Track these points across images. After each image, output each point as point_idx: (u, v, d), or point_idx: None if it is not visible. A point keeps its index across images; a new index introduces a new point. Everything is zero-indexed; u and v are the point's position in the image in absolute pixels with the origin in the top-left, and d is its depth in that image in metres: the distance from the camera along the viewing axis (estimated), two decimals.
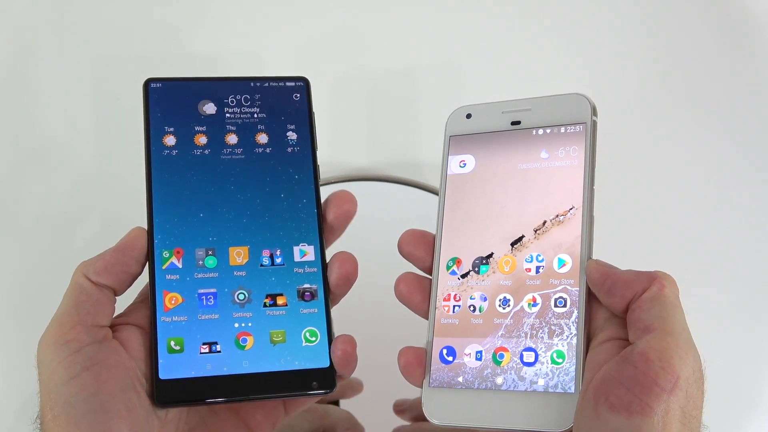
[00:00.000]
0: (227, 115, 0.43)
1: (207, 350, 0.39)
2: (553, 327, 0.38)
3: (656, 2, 0.66)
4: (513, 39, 0.65)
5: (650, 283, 0.36)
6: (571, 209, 0.39)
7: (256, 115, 0.44)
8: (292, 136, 0.44)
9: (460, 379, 0.39)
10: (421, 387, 0.40)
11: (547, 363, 0.37)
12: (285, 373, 0.40)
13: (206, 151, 0.42)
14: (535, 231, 0.40)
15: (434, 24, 0.65)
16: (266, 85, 0.44)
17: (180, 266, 0.40)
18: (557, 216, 0.39)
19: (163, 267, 0.40)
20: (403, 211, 0.62)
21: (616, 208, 0.64)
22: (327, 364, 0.40)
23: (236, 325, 0.40)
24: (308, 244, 0.42)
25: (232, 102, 0.43)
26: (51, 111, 0.62)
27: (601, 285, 0.37)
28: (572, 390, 0.36)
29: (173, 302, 0.40)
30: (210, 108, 0.43)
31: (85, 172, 0.62)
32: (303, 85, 0.45)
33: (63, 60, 0.62)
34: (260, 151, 0.43)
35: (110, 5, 0.63)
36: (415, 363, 0.40)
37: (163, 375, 0.38)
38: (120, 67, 0.62)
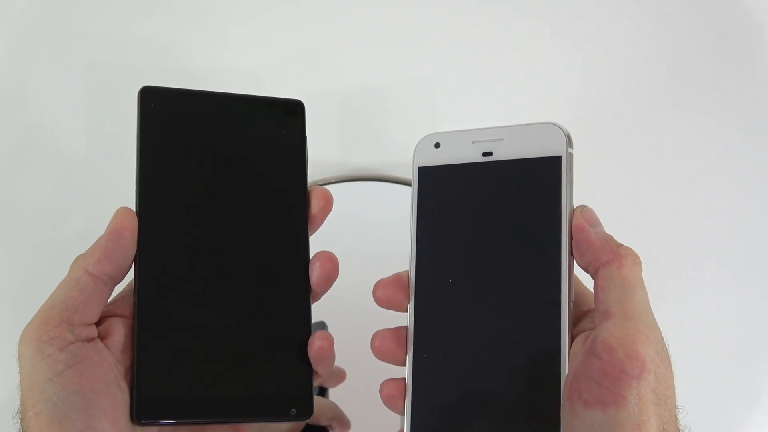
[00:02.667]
0: (222, 129, 0.42)
1: (190, 369, 0.39)
2: None
3: (654, 1, 0.66)
4: (498, 47, 0.65)
5: (611, 258, 0.36)
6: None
7: (251, 134, 0.43)
8: (285, 158, 0.43)
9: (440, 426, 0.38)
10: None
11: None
12: (266, 397, 0.39)
13: (199, 166, 0.41)
14: None
15: (433, 25, 0.65)
16: (262, 104, 0.43)
17: None
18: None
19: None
20: (403, 211, 0.62)
21: (611, 209, 0.64)
22: (306, 392, 0.40)
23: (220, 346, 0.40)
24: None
25: (227, 117, 0.42)
26: (45, 114, 0.62)
27: (575, 240, 0.37)
28: None
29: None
30: (205, 121, 0.42)
31: (79, 174, 0.62)
32: (298, 108, 0.44)
33: (58, 66, 0.62)
34: (253, 170, 0.42)
35: (107, 16, 0.63)
36: (398, 395, 0.40)
37: (144, 393, 0.37)
38: (114, 75, 0.62)
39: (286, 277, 0.41)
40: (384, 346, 0.41)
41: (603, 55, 0.65)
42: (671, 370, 0.35)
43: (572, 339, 0.36)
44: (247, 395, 0.39)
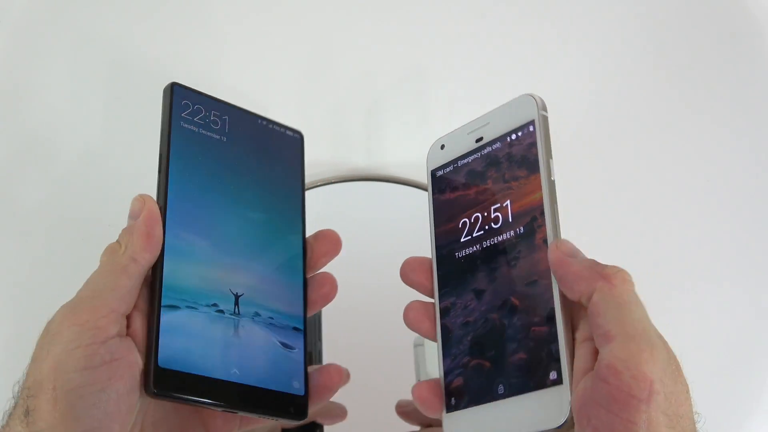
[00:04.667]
0: (237, 146, 0.44)
1: (205, 352, 0.39)
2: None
3: (655, 2, 0.66)
4: (498, 46, 0.65)
5: (599, 281, 0.35)
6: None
7: (259, 152, 0.45)
8: (286, 182, 0.45)
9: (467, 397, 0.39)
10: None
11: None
12: (269, 392, 0.40)
13: (215, 173, 0.43)
14: None
15: (435, 24, 0.65)
16: (270, 126, 0.46)
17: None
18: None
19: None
20: (403, 211, 0.62)
21: (613, 209, 0.64)
22: (303, 392, 0.42)
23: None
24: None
25: (244, 134, 0.44)
26: (50, 111, 0.62)
27: (555, 271, 0.37)
28: (563, 382, 0.35)
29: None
30: (224, 130, 0.44)
31: (80, 173, 0.62)
32: (299, 138, 0.47)
33: (60, 66, 0.62)
34: (259, 187, 0.44)
35: (112, 17, 0.63)
36: (432, 396, 0.39)
37: (162, 363, 0.37)
38: (116, 76, 0.62)
39: (285, 288, 0.43)
40: (416, 317, 0.42)
41: (605, 55, 0.65)
42: (683, 384, 0.33)
43: (567, 325, 0.36)
44: (254, 387, 0.40)
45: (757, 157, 0.65)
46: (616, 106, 0.65)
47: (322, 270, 0.45)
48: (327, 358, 0.56)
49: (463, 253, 0.41)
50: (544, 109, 0.40)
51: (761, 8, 0.65)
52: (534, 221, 0.38)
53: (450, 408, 0.39)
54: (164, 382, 0.37)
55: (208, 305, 0.40)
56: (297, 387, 0.42)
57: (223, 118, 0.44)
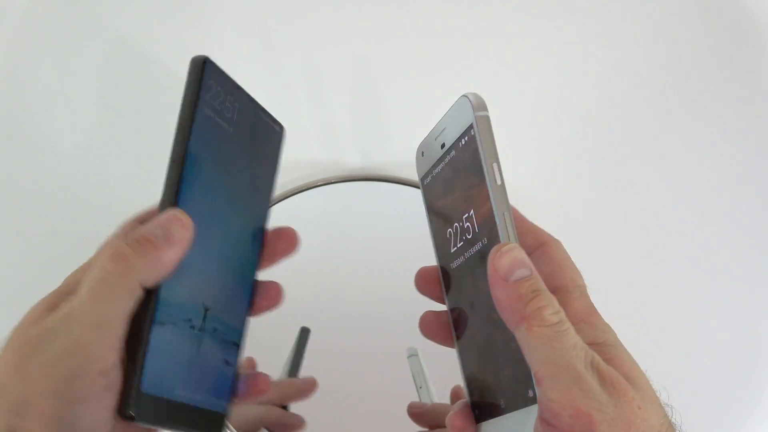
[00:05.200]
0: (238, 135, 0.41)
1: (178, 374, 0.37)
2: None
3: (655, 2, 0.66)
4: (498, 42, 0.65)
5: (518, 321, 0.34)
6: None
7: (252, 150, 0.42)
8: (264, 186, 0.43)
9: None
10: None
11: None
12: (207, 411, 0.38)
13: (218, 173, 0.40)
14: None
15: (432, 23, 0.65)
16: (263, 117, 0.43)
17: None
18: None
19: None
20: (403, 211, 0.62)
21: (615, 208, 0.64)
22: (225, 411, 0.40)
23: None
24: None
25: (244, 124, 0.41)
26: (48, 110, 0.62)
27: (492, 294, 0.35)
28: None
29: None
30: (233, 120, 0.41)
31: (81, 169, 0.62)
32: (280, 132, 0.44)
33: (65, 62, 0.62)
34: (246, 192, 0.42)
35: (110, 14, 0.63)
36: (467, 423, 0.38)
37: (144, 388, 0.35)
38: (112, 74, 0.62)
39: (237, 300, 0.41)
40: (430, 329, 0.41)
41: (606, 56, 0.65)
42: (629, 401, 0.33)
43: None
44: (199, 410, 0.38)
45: (760, 157, 0.65)
46: (611, 105, 0.65)
47: (271, 279, 0.43)
48: (327, 357, 0.56)
49: (455, 264, 0.40)
50: (482, 108, 0.38)
51: (761, 8, 0.65)
52: (492, 230, 0.36)
53: (477, 419, 0.38)
54: (144, 408, 0.35)
55: (184, 320, 0.37)
56: (224, 406, 0.39)
57: (234, 105, 0.40)
